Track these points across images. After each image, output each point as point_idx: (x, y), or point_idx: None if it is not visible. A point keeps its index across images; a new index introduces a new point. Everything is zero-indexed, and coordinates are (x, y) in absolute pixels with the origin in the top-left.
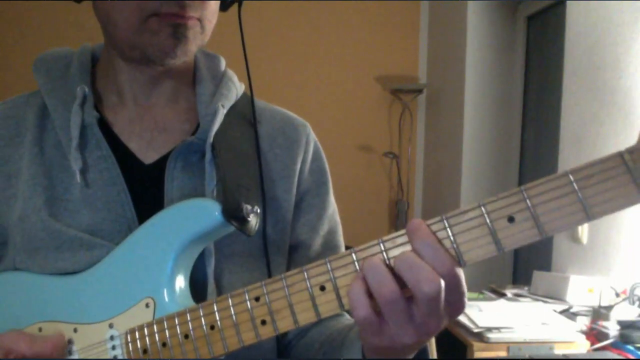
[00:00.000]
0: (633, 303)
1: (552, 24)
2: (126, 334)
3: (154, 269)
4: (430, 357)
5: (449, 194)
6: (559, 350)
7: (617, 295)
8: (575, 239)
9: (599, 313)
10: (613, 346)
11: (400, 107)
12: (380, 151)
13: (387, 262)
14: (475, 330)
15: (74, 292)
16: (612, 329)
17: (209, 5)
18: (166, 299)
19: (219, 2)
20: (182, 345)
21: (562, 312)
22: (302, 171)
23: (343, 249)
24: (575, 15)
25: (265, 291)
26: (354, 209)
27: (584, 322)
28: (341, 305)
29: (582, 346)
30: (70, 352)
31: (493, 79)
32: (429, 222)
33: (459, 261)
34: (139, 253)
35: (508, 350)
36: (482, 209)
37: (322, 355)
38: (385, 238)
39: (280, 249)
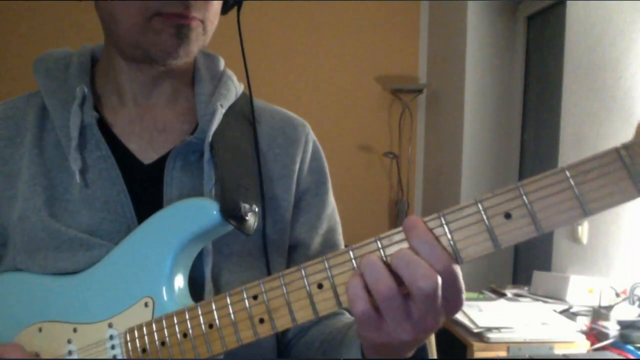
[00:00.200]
0: (633, 303)
1: (552, 24)
2: (125, 333)
3: (152, 268)
4: (430, 357)
5: (449, 194)
6: (559, 350)
7: (617, 295)
8: (575, 238)
9: (599, 313)
10: (613, 346)
11: (400, 107)
12: (380, 151)
13: (385, 259)
14: (475, 330)
15: (74, 292)
16: (612, 329)
17: (211, 6)
18: (165, 298)
19: (221, 3)
20: (181, 344)
21: (562, 312)
22: (301, 171)
23: (342, 248)
24: (575, 15)
25: (263, 289)
26: (354, 209)
27: (584, 322)
28: (339, 303)
29: (582, 346)
30: (69, 352)
31: (493, 79)
32: (426, 219)
33: (456, 258)
34: (137, 253)
35: (508, 350)
36: (479, 205)
37: (321, 354)
38: (382, 235)
39: (280, 249)
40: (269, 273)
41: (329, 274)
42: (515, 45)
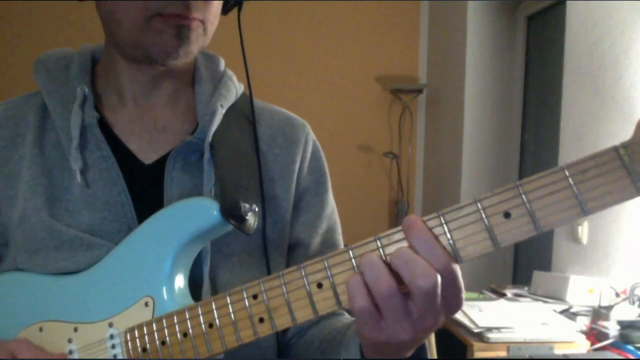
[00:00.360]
0: (633, 303)
1: (552, 24)
2: (125, 332)
3: (153, 268)
4: (430, 357)
5: (449, 194)
6: (559, 350)
7: (617, 295)
8: (575, 239)
9: (599, 313)
10: (613, 346)
11: (400, 107)
12: (380, 151)
13: (384, 258)
14: (475, 330)
15: (74, 291)
16: (612, 329)
17: (212, 7)
18: (165, 298)
19: (221, 3)
20: (181, 343)
21: (562, 312)
22: (301, 170)
23: (342, 247)
24: (575, 15)
25: (262, 289)
26: (354, 209)
27: (584, 322)
28: (338, 303)
29: (582, 346)
30: (70, 352)
31: (493, 79)
32: (425, 218)
33: (455, 257)
34: (138, 252)
35: (508, 350)
36: (478, 204)
37: (320, 353)
38: (381, 235)
39: (280, 248)
40: (268, 273)
41: (329, 273)
42: (515, 45)
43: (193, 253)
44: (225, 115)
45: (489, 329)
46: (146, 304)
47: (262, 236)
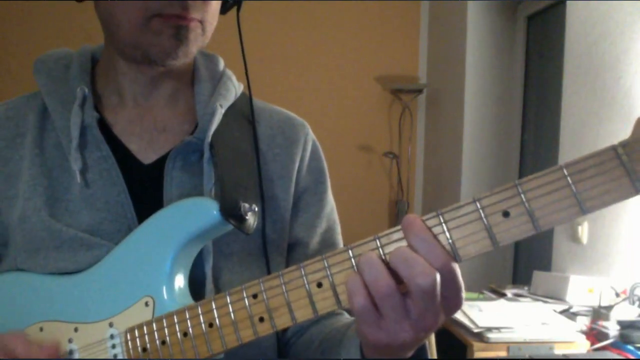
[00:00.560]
0: (633, 303)
1: (552, 24)
2: (126, 332)
3: (153, 267)
4: (430, 357)
5: (449, 194)
6: (559, 350)
7: (617, 295)
8: (575, 239)
9: (599, 313)
10: (613, 346)
11: (400, 107)
12: (380, 151)
13: (383, 257)
14: (475, 330)
15: (75, 291)
16: (612, 329)
17: (210, 7)
18: (165, 298)
19: (220, 3)
20: (181, 343)
21: (562, 312)
22: (300, 170)
23: (341, 247)
24: (575, 15)
25: (262, 288)
26: (354, 209)
27: (584, 322)
28: (338, 302)
29: (582, 346)
30: (70, 352)
31: (493, 79)
32: (424, 217)
33: (454, 256)
34: (138, 252)
35: (508, 350)
36: (477, 204)
37: (320, 353)
38: (381, 234)
39: (279, 248)
40: (268, 272)
41: (328, 272)
42: (515, 45)
43: (193, 253)
44: (225, 115)
45: (489, 329)
46: (146, 304)
47: (262, 236)
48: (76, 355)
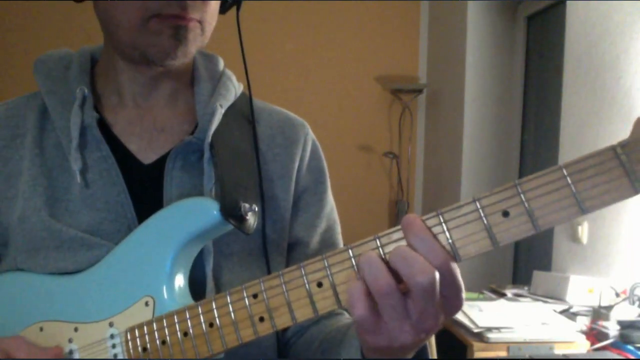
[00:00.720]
0: (633, 303)
1: (552, 24)
2: (126, 332)
3: (153, 267)
4: (430, 357)
5: (449, 194)
6: (559, 350)
7: (617, 295)
8: (575, 239)
9: (599, 313)
10: (613, 346)
11: (400, 107)
12: (380, 151)
13: (383, 257)
14: (475, 330)
15: (75, 291)
16: (612, 329)
17: (209, 7)
18: (165, 297)
19: (219, 3)
20: (181, 343)
21: (562, 312)
22: (300, 170)
23: (341, 246)
24: (575, 15)
25: (262, 288)
26: (354, 209)
27: (584, 322)
28: (338, 302)
29: (582, 346)
30: (70, 352)
31: (493, 79)
32: (424, 217)
33: (454, 256)
34: (138, 252)
35: (508, 350)
36: (477, 203)
37: (320, 353)
38: (381, 234)
39: (279, 248)
40: (268, 272)
41: (328, 272)
42: (515, 45)
43: (193, 253)
44: (225, 115)
45: (489, 329)
46: (146, 304)
47: (262, 236)
48: (76, 355)
